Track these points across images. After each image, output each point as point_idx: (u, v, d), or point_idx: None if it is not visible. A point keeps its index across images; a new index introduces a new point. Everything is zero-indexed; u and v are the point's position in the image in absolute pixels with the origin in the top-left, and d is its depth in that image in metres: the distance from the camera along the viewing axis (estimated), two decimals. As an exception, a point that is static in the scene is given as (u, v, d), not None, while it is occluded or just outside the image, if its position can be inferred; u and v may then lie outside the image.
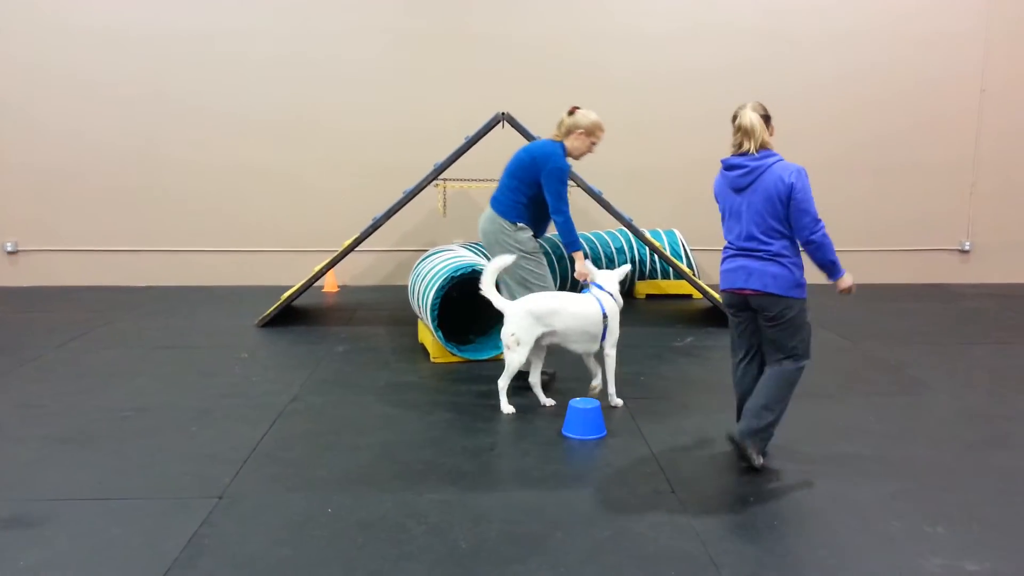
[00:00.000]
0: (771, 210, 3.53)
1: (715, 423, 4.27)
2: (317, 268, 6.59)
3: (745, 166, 3.61)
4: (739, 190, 3.64)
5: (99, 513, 3.17)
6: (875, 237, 8.69)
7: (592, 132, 4.70)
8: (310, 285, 6.56)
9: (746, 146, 3.63)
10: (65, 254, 7.92)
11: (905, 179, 8.70)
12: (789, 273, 3.52)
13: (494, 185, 7.02)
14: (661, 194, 8.57)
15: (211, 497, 3.32)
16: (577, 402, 4.08)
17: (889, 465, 3.72)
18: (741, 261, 3.64)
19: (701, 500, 3.33)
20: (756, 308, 3.61)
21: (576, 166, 6.55)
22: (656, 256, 7.66)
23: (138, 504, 3.26)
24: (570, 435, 4.04)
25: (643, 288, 7.90)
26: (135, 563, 2.80)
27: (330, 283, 8.27)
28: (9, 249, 8.11)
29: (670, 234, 7.91)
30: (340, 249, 6.74)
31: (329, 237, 8.18)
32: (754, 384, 3.72)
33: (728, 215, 3.75)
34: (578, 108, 4.74)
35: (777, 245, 3.55)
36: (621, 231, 7.86)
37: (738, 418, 3.77)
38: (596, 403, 4.09)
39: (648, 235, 6.90)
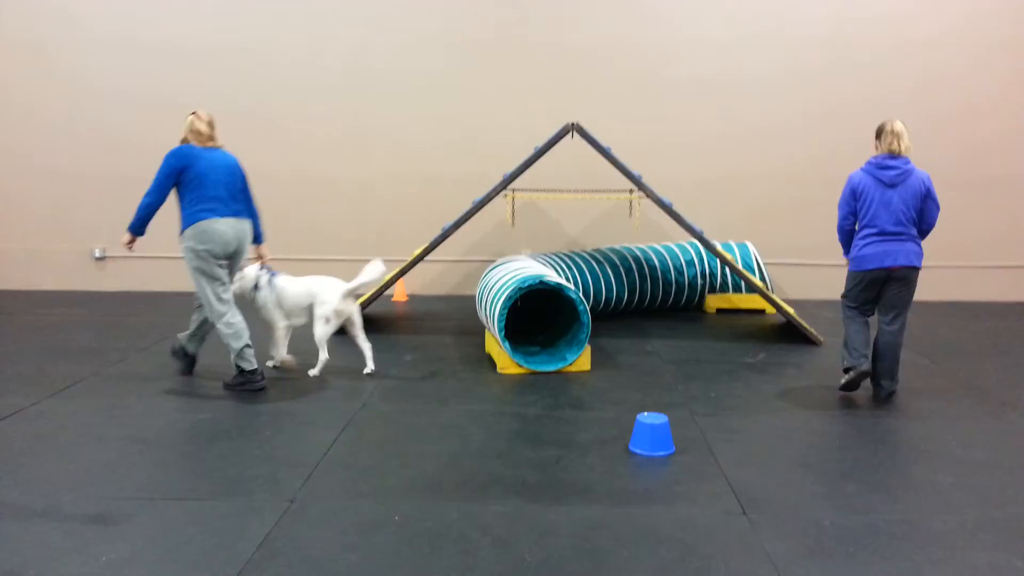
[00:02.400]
0: (914, 204, 4.70)
1: (788, 443, 4.16)
2: (387, 277, 6.68)
3: (898, 167, 4.71)
4: (892, 186, 4.70)
5: (176, 513, 3.28)
6: (959, 252, 8.34)
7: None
8: (381, 294, 6.66)
9: (895, 147, 4.71)
10: (149, 261, 8.22)
11: (990, 192, 8.35)
12: (920, 250, 4.78)
13: (563, 196, 7.07)
14: (734, 205, 8.42)
15: (283, 500, 3.39)
16: (645, 417, 4.03)
17: (973, 493, 3.55)
18: (886, 245, 4.69)
19: (773, 522, 3.24)
20: (897, 279, 4.71)
21: (646, 177, 6.52)
22: (728, 269, 7.52)
23: (213, 505, 3.35)
24: (637, 451, 3.99)
25: (714, 302, 7.76)
26: (210, 563, 2.88)
27: (399, 292, 8.39)
28: (97, 255, 8.50)
29: (743, 247, 7.75)
30: (410, 258, 6.83)
31: (399, 246, 8.30)
32: (865, 335, 4.83)
33: (874, 205, 4.72)
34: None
35: (914, 231, 4.74)
36: (692, 243, 7.75)
37: (857, 352, 4.81)
38: (664, 418, 4.03)
39: (719, 248, 6.79)
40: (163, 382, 5.16)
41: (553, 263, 7.07)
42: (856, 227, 4.89)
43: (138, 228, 4.98)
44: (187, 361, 5.40)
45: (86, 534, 3.09)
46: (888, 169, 4.71)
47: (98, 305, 6.19)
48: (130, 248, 5.04)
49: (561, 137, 6.22)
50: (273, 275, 5.52)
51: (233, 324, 4.96)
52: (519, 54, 8.30)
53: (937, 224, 4.87)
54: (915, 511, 3.35)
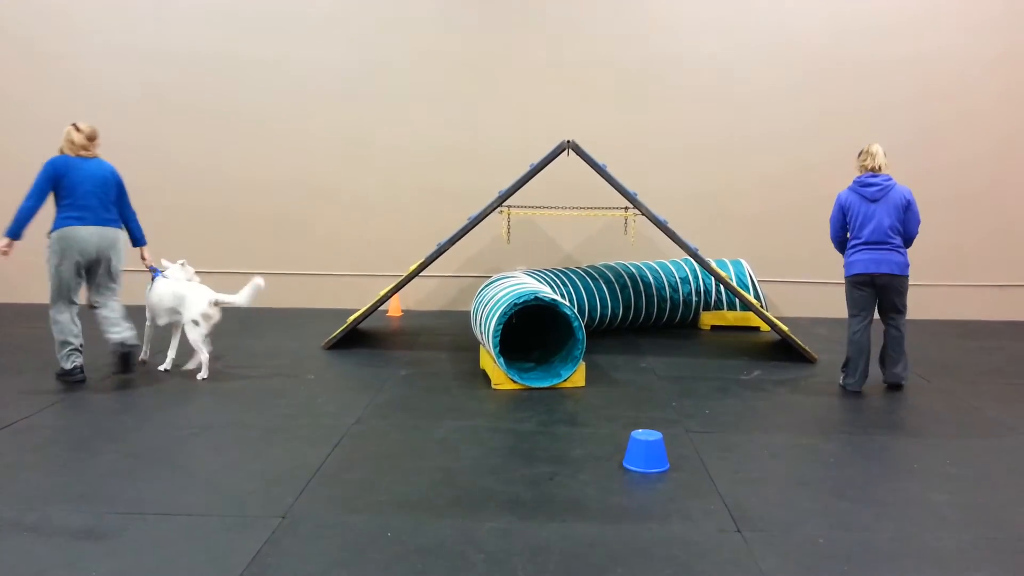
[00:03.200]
0: (896, 215, 5.25)
1: (782, 460, 4.15)
2: (382, 292, 6.69)
3: (879, 184, 5.29)
4: (874, 200, 5.27)
5: (167, 528, 3.25)
6: (953, 271, 8.39)
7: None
8: (375, 309, 6.66)
9: (869, 164, 5.32)
10: (138, 275, 8.21)
11: (985, 209, 8.41)
12: (905, 259, 5.31)
13: (559, 213, 7.09)
14: (729, 223, 8.46)
15: (275, 516, 3.37)
16: (639, 434, 4.02)
17: (967, 511, 3.54)
18: (874, 254, 5.25)
19: (768, 540, 3.23)
20: (883, 285, 5.27)
21: (640, 193, 6.55)
22: (722, 287, 7.54)
23: (204, 520, 3.33)
24: (632, 467, 3.98)
25: (708, 319, 7.78)
26: (200, 579, 2.86)
27: (394, 307, 8.39)
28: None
29: (737, 264, 7.78)
30: (405, 274, 6.84)
31: (394, 261, 8.32)
32: (868, 340, 5.40)
33: (861, 219, 5.29)
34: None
35: (898, 240, 5.28)
36: (686, 261, 7.77)
37: (851, 368, 5.44)
38: (659, 435, 4.02)
39: (714, 265, 6.81)
40: (155, 397, 5.14)
41: (548, 279, 7.08)
42: (847, 238, 5.50)
43: (15, 232, 5.27)
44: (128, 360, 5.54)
45: (77, 549, 3.07)
46: (870, 186, 5.31)
47: (90, 318, 6.20)
48: (6, 254, 5.29)
49: (557, 155, 6.25)
50: (156, 275, 5.82)
51: (58, 321, 5.35)
52: (516, 69, 8.36)
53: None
54: (909, 529, 3.35)
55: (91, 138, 5.47)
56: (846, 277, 5.45)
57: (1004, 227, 8.43)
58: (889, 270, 5.25)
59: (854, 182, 5.40)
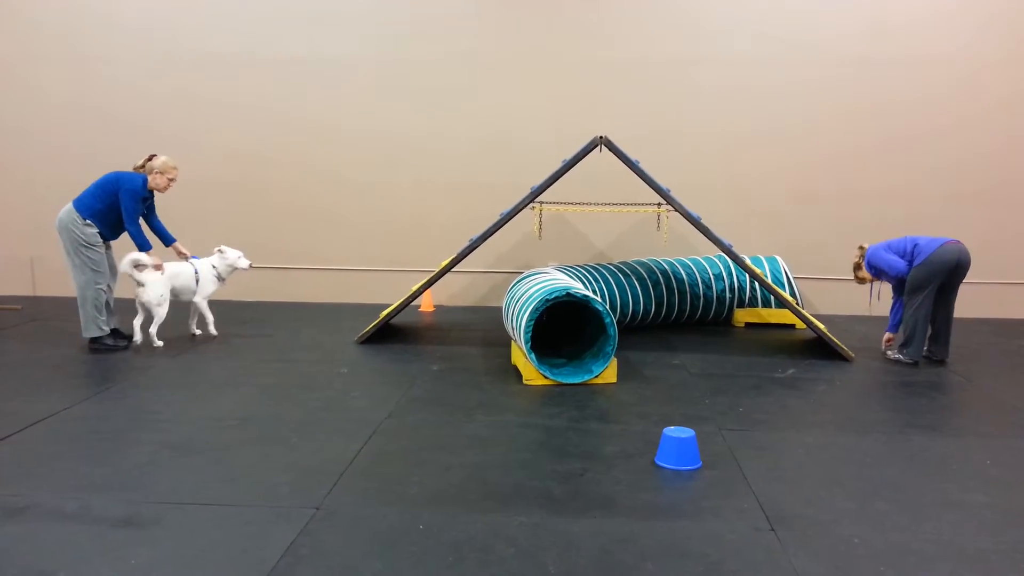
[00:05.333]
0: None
1: (817, 459, 4.10)
2: (415, 288, 6.72)
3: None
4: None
5: (203, 518, 3.31)
6: (992, 269, 8.20)
7: (164, 171, 6.25)
8: (408, 304, 6.69)
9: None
10: (175, 263, 8.36)
11: (1019, 208, 8.22)
12: None
13: (591, 209, 7.07)
14: (764, 219, 8.36)
15: (309, 508, 3.41)
16: (672, 431, 4.00)
17: (1008, 513, 3.47)
18: (950, 244, 5.98)
19: (802, 539, 3.20)
20: (966, 265, 5.99)
21: (674, 189, 6.50)
22: (757, 284, 7.46)
23: (240, 511, 3.38)
24: (664, 464, 3.96)
25: (742, 316, 7.70)
26: (236, 568, 2.91)
27: (426, 303, 8.43)
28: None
29: (772, 261, 7.69)
30: (437, 269, 6.87)
31: (426, 257, 8.36)
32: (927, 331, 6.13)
33: (912, 244, 6.11)
34: (155, 155, 6.26)
35: None
36: (720, 257, 7.70)
37: (922, 342, 6.09)
38: (691, 432, 3.99)
39: (748, 262, 6.73)
40: (192, 389, 5.23)
41: (580, 275, 7.06)
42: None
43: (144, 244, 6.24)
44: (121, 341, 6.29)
45: (115, 537, 3.14)
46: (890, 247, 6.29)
47: (129, 312, 6.34)
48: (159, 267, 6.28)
49: (589, 151, 6.22)
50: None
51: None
52: (549, 65, 8.33)
53: (969, 240, 6.15)
54: (947, 531, 3.29)
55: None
56: (931, 259, 5.96)
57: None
58: (966, 254, 6.01)
59: (883, 246, 6.29)
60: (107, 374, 5.56)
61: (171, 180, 6.30)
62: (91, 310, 6.10)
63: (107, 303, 6.21)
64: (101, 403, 4.89)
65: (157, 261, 6.27)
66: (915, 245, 6.08)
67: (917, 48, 8.07)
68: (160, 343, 6.34)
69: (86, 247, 6.05)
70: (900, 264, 6.10)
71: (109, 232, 6.22)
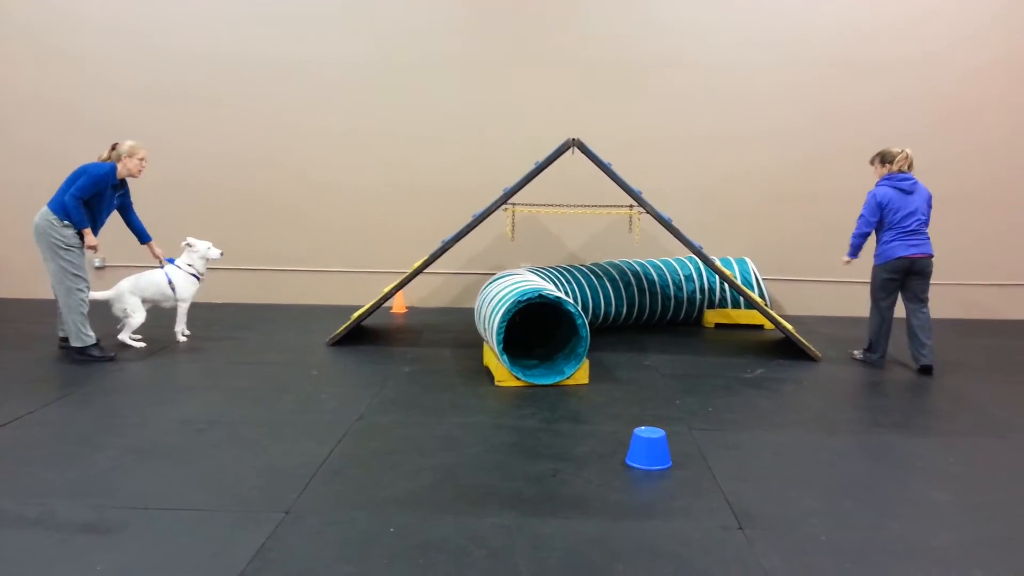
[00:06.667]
0: (925, 206, 5.97)
1: (785, 458, 4.15)
2: (387, 289, 6.69)
3: (911, 179, 5.99)
4: (909, 193, 5.94)
5: (170, 523, 3.27)
6: (957, 270, 8.36)
7: (133, 154, 6.02)
8: (379, 305, 6.67)
9: (906, 166, 6.01)
10: (148, 271, 8.25)
11: (989, 207, 8.38)
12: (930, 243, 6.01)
13: (563, 210, 7.09)
14: (733, 221, 8.45)
15: (278, 511, 3.38)
16: (642, 431, 4.02)
17: (971, 510, 3.54)
18: (913, 239, 5.89)
19: (770, 538, 3.23)
20: (920, 269, 5.91)
21: (645, 191, 6.55)
22: (727, 285, 7.53)
23: (208, 515, 3.34)
24: (634, 464, 3.98)
25: (712, 317, 7.77)
26: (204, 573, 2.87)
27: (398, 304, 8.40)
28: (97, 265, 8.51)
29: (741, 262, 7.77)
30: (409, 270, 6.84)
31: (398, 258, 8.33)
32: (890, 325, 6.13)
33: (903, 211, 5.91)
34: (117, 143, 6.05)
35: (927, 227, 5.97)
36: (691, 259, 7.76)
37: (878, 346, 6.18)
38: (662, 432, 4.02)
39: (718, 263, 6.80)
40: (160, 392, 5.16)
41: (552, 277, 7.08)
42: (875, 232, 6.07)
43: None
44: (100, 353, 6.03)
45: (80, 543, 3.08)
46: (906, 180, 5.96)
47: (97, 314, 6.23)
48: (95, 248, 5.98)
49: (562, 152, 6.24)
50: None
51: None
52: (521, 67, 8.35)
53: (936, 240, 6.04)
54: (913, 528, 3.35)
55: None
56: (882, 264, 5.99)
57: (1010, 225, 8.40)
58: (928, 251, 5.91)
59: (887, 179, 6.01)
60: (73, 377, 5.46)
61: (142, 161, 6.04)
62: (77, 319, 5.85)
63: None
64: (66, 407, 4.81)
65: (93, 242, 5.91)
66: (893, 219, 5.91)
67: (887, 52, 8.21)
68: (138, 344, 6.39)
69: (64, 249, 5.78)
70: (868, 223, 6.00)
71: (90, 224, 5.93)
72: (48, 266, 5.85)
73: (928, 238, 5.96)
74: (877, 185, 6.07)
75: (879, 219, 6.00)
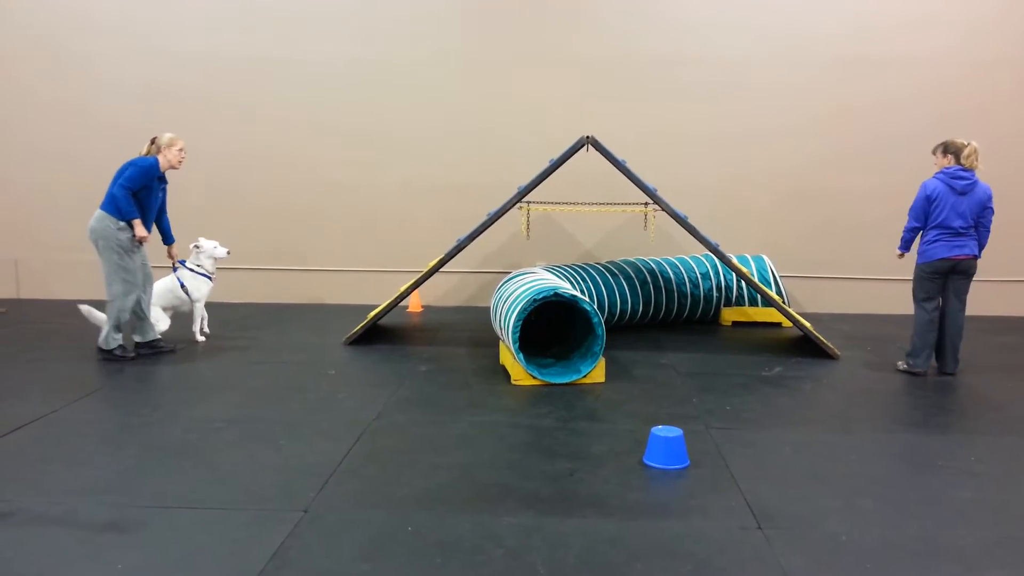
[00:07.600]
0: (978, 208, 5.63)
1: (804, 457, 4.12)
2: (403, 288, 6.71)
3: (969, 178, 5.61)
4: (963, 193, 5.60)
5: (190, 521, 3.29)
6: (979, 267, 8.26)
7: (172, 144, 6.05)
8: (396, 305, 6.68)
9: (973, 164, 5.61)
10: (166, 271, 8.33)
11: (1010, 204, 8.28)
12: (976, 245, 5.74)
13: (579, 209, 7.08)
14: (750, 218, 8.40)
15: (297, 510, 3.40)
16: (660, 430, 4.01)
17: (992, 509, 3.50)
18: (960, 240, 5.64)
19: (789, 537, 3.21)
20: (963, 270, 5.70)
21: (660, 189, 6.52)
22: (744, 283, 7.49)
23: (227, 514, 3.37)
24: (652, 464, 3.97)
25: (729, 315, 7.73)
26: (223, 572, 2.89)
27: (414, 303, 8.41)
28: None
29: (759, 260, 7.72)
30: (425, 270, 6.86)
31: (414, 258, 8.34)
32: (935, 328, 5.80)
33: (948, 209, 5.61)
34: (156, 136, 6.07)
35: (974, 232, 5.69)
36: (707, 256, 7.73)
37: (930, 354, 5.83)
38: (679, 431, 4.01)
39: (735, 261, 6.76)
40: (179, 391, 5.20)
41: (568, 275, 7.07)
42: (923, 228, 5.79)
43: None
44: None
45: (101, 541, 3.11)
46: (961, 179, 5.60)
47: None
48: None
49: (576, 150, 6.23)
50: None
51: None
52: (535, 65, 8.34)
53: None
54: (933, 527, 3.32)
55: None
56: (923, 263, 5.75)
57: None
58: (971, 252, 5.67)
59: (943, 172, 5.66)
60: (93, 377, 5.52)
61: (181, 151, 6.06)
62: (112, 324, 5.93)
63: (136, 312, 6.05)
64: (87, 406, 4.86)
65: (143, 233, 5.90)
66: (937, 217, 5.62)
67: (903, 48, 8.13)
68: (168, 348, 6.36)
69: (119, 253, 5.81)
70: (917, 216, 5.73)
71: (143, 217, 5.94)
72: (103, 267, 5.90)
73: (974, 239, 5.67)
74: (933, 177, 5.72)
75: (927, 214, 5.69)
